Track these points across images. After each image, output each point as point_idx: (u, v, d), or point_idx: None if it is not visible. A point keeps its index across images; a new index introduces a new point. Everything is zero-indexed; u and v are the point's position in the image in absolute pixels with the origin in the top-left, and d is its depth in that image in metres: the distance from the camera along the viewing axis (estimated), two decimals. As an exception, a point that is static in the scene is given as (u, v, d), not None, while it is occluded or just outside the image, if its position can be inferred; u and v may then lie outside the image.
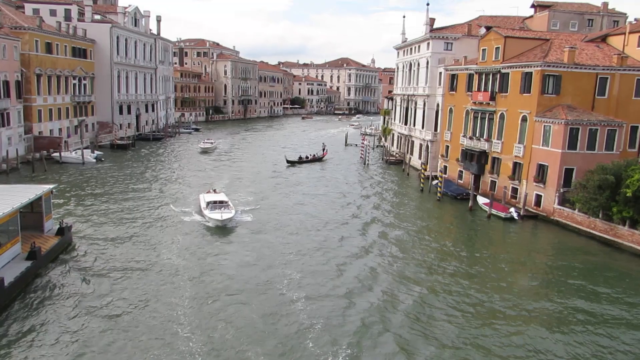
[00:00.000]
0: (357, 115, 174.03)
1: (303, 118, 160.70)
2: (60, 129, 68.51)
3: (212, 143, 78.27)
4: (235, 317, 22.64)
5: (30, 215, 29.55)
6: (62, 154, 60.64)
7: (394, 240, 34.90)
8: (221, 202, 37.91)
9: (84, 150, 61.97)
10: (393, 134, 79.02)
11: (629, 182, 33.00)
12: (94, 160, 61.13)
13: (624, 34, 45.61)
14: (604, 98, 42.67)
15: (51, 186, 31.69)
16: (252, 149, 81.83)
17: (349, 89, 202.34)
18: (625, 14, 64.25)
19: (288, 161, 66.27)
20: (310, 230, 36.38)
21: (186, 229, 35.57)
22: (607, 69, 42.45)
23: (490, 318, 23.55)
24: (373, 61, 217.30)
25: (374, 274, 28.39)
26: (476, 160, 49.41)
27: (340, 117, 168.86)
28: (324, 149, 72.94)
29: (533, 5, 66.60)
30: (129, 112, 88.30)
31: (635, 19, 54.60)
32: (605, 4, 64.24)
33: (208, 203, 37.52)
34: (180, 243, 32.32)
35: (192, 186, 49.51)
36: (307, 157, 68.80)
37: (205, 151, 74.68)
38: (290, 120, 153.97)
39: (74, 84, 72.83)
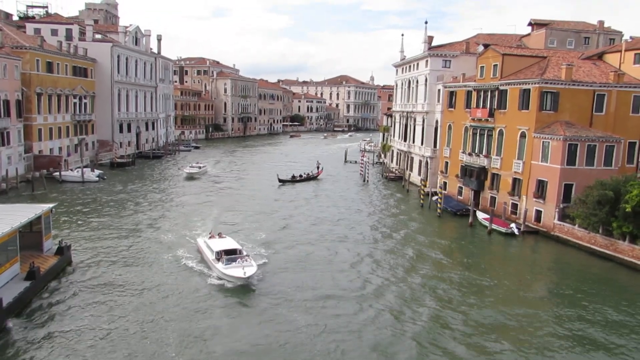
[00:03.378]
0: (350, 133, 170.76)
1: (291, 136, 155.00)
2: (60, 148, 68.75)
3: (200, 167, 69.25)
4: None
5: (30, 235, 29.44)
6: (62, 172, 60.70)
7: (395, 258, 34.74)
8: (233, 251, 29.95)
9: (85, 169, 62.05)
10: (392, 151, 79.24)
11: (628, 197, 33.06)
12: (97, 178, 61.15)
13: (620, 51, 46.08)
14: (601, 114, 42.93)
15: (51, 205, 31.62)
16: (248, 168, 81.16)
17: (348, 106, 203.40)
18: (621, 32, 65.00)
19: (280, 180, 64.45)
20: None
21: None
22: (604, 86, 42.78)
23: (495, 334, 23.39)
24: (372, 78, 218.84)
25: (377, 291, 28.29)
26: (476, 176, 49.48)
27: (325, 134, 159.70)
28: (318, 167, 71.23)
29: (530, 24, 67.38)
30: (129, 130, 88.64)
31: (631, 37, 55.16)
32: (601, 22, 65.01)
33: (219, 254, 29.43)
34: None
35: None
36: (300, 176, 66.99)
37: (191, 177, 65.75)
38: (286, 137, 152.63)
39: (75, 103, 73.22)
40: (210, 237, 33.31)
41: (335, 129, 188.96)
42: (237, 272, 27.37)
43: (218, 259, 29.26)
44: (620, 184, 35.00)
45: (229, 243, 31.55)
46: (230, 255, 29.24)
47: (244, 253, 30.20)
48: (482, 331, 23.80)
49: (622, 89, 42.98)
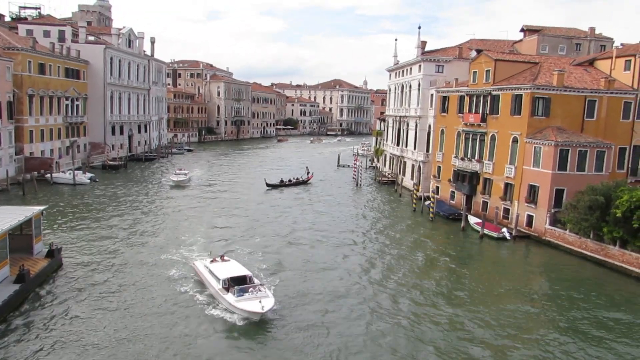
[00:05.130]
0: (338, 138, 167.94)
1: (279, 140, 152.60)
2: (51, 150, 68.31)
3: (185, 174, 65.10)
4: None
5: (20, 237, 29.27)
6: (54, 175, 60.29)
7: (388, 263, 34.81)
8: (242, 278, 26.25)
9: (76, 172, 61.65)
10: (385, 155, 79.41)
11: (618, 202, 33.33)
12: (88, 181, 60.75)
13: (611, 58, 46.49)
14: (592, 120, 43.28)
15: (41, 208, 31.43)
16: (237, 172, 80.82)
17: (341, 110, 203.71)
18: (612, 38, 65.61)
19: (268, 185, 63.40)
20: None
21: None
22: (595, 92, 43.15)
23: (484, 337, 23.45)
24: (365, 83, 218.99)
25: (367, 294, 28.32)
26: (468, 180, 49.68)
27: (311, 139, 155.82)
28: (308, 172, 70.39)
29: (522, 30, 67.88)
30: (121, 132, 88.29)
31: (622, 44, 55.70)
32: (593, 29, 65.62)
33: (226, 282, 25.74)
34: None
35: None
36: (289, 181, 66.11)
37: (178, 185, 61.96)
38: (275, 141, 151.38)
39: (67, 105, 72.85)
40: (212, 261, 28.84)
41: (329, 132, 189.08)
42: (254, 306, 23.32)
43: (226, 289, 25.32)
44: (611, 189, 35.29)
45: (235, 268, 27.59)
46: (240, 284, 25.50)
47: (256, 281, 26.55)
48: (472, 334, 23.87)
49: (613, 95, 43.38)
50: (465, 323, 25.13)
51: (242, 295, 24.29)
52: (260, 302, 23.49)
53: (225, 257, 29.79)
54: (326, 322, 24.54)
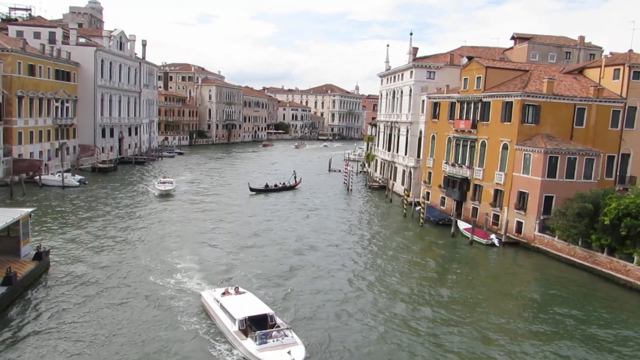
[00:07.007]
0: (325, 143, 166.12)
1: (264, 145, 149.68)
2: (41, 152, 67.69)
3: (171, 182, 59.66)
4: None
5: (7, 240, 28.95)
6: (42, 177, 59.72)
7: (377, 266, 34.84)
8: (263, 318, 21.93)
9: (65, 174, 61.13)
10: (376, 160, 79.62)
11: (606, 210, 33.61)
12: (78, 183, 60.20)
13: (600, 66, 47.02)
14: (581, 128, 43.71)
15: (29, 210, 31.17)
16: (225, 178, 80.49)
17: (333, 115, 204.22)
18: (601, 47, 66.36)
19: (252, 189, 62.27)
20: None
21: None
22: (585, 100, 43.60)
23: (474, 345, 23.49)
24: (357, 88, 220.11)
25: (356, 298, 28.29)
26: (458, 186, 49.93)
27: (297, 144, 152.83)
28: (295, 177, 69.47)
29: (513, 37, 68.45)
30: (111, 135, 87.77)
31: (611, 53, 56.38)
32: (582, 38, 66.36)
33: (243, 323, 21.47)
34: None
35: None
36: (275, 186, 65.10)
37: (167, 194, 57.06)
38: (268, 145, 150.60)
39: (57, 107, 72.33)
40: (224, 293, 24.22)
41: (320, 137, 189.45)
42: (281, 359, 19.03)
43: (244, 332, 21.16)
44: (599, 196, 35.59)
45: (253, 305, 23.00)
46: (260, 325, 21.33)
47: (278, 321, 22.20)
48: (463, 338, 23.93)
49: (602, 104, 43.87)
50: (453, 327, 25.17)
51: (266, 343, 19.90)
52: (289, 352, 19.11)
53: (240, 289, 25.06)
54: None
